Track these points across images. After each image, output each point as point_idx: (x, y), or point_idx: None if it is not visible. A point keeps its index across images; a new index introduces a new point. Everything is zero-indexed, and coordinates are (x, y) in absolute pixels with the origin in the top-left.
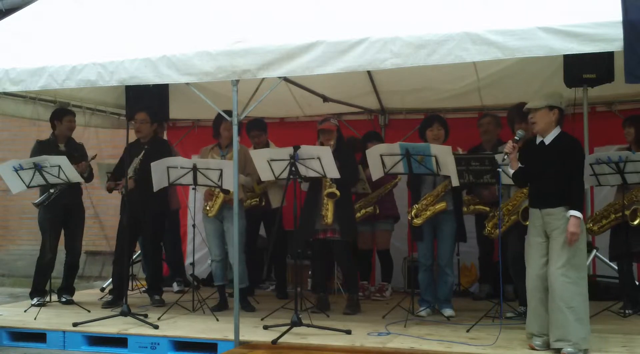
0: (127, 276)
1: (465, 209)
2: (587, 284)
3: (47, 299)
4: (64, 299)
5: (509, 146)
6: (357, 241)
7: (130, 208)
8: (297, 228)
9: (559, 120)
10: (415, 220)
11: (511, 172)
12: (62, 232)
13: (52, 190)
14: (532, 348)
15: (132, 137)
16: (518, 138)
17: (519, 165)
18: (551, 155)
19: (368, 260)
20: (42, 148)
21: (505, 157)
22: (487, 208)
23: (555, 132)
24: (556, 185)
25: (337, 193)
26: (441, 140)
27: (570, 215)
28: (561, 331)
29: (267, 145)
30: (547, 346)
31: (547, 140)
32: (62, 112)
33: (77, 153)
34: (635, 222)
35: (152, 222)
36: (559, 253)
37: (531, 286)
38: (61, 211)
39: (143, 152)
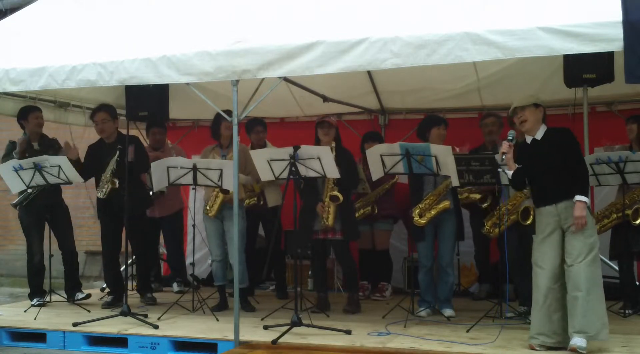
0: (121, 276)
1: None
2: None
3: (47, 299)
4: (79, 297)
5: (505, 145)
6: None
7: (112, 210)
8: (296, 228)
9: (544, 117)
10: (419, 220)
11: (509, 173)
12: (52, 233)
13: (29, 190)
14: (532, 348)
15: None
16: (511, 138)
17: (517, 165)
18: (548, 150)
19: (368, 260)
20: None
21: (504, 156)
22: (478, 196)
23: (543, 128)
24: (564, 176)
25: (341, 197)
26: (442, 141)
27: (576, 200)
28: (584, 321)
29: (265, 145)
30: (559, 344)
31: (538, 136)
32: (26, 110)
33: (52, 150)
34: (637, 222)
35: (136, 222)
36: (582, 246)
37: (545, 286)
38: (43, 211)
39: (117, 152)
